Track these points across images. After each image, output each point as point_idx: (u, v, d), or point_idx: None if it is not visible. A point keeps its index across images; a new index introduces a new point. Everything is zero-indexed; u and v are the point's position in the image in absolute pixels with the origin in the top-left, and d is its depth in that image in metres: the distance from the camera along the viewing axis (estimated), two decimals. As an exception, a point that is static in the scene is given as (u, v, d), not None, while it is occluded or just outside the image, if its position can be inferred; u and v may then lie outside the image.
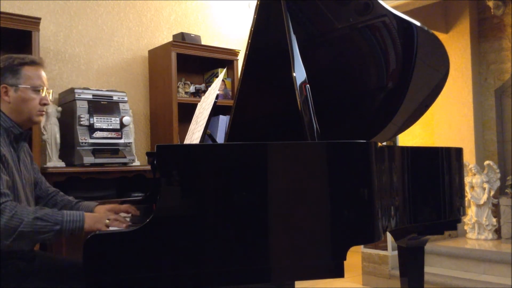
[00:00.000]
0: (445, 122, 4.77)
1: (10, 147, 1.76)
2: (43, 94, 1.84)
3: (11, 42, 3.24)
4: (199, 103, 2.21)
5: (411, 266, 2.27)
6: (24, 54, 1.87)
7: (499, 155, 4.50)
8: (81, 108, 3.19)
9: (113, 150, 3.28)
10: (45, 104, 1.85)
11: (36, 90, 1.81)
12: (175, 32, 4.16)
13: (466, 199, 4.00)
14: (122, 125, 3.30)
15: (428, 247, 2.81)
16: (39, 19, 3.18)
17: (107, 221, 1.66)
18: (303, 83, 1.69)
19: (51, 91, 1.91)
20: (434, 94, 2.29)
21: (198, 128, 1.92)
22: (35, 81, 1.81)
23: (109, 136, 3.26)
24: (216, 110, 2.10)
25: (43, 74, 1.86)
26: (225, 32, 4.60)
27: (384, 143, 2.30)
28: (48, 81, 1.89)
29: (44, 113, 1.88)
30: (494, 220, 4.12)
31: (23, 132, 1.83)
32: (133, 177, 3.39)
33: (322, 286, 3.54)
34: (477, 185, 4.19)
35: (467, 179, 4.18)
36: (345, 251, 1.43)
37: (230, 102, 3.68)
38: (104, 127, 3.24)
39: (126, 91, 3.59)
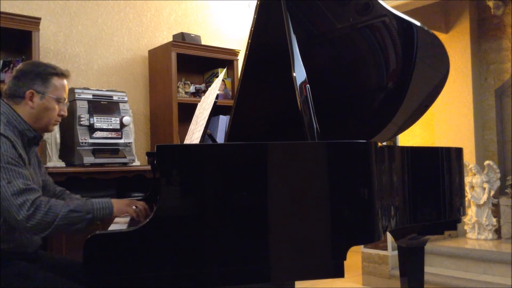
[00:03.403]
0: (445, 122, 4.76)
1: (23, 150, 1.77)
2: (62, 106, 1.89)
3: (11, 42, 3.24)
4: (199, 103, 2.21)
5: (411, 266, 2.27)
6: (54, 65, 1.93)
7: (499, 155, 4.50)
8: (81, 108, 3.19)
9: (113, 150, 3.28)
10: (62, 116, 1.90)
11: (59, 101, 1.86)
12: (175, 32, 4.16)
13: (466, 199, 4.00)
14: (122, 125, 3.30)
15: (428, 247, 2.81)
16: (39, 19, 3.18)
17: (134, 207, 1.79)
18: (303, 83, 1.69)
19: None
20: (434, 94, 2.29)
21: (198, 128, 1.92)
22: (60, 93, 1.87)
23: (109, 136, 3.26)
24: (216, 110, 2.10)
25: (67, 86, 1.92)
26: (225, 32, 4.60)
27: (384, 143, 2.30)
28: None
29: (58, 123, 1.93)
30: (494, 220, 4.11)
31: (37, 136, 1.86)
32: (133, 177, 3.39)
33: (322, 286, 3.53)
34: (477, 185, 4.19)
35: (467, 179, 4.18)
36: (345, 251, 1.43)
37: (230, 102, 3.68)
38: (104, 127, 3.24)
39: (126, 91, 3.59)
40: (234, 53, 4.20)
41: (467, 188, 4.15)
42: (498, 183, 4.16)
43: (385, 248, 3.85)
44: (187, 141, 2.10)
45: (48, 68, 1.86)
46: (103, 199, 1.74)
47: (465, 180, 3.10)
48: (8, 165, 1.62)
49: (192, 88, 4.06)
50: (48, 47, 3.57)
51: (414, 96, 2.23)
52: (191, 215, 1.36)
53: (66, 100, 1.91)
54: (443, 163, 2.09)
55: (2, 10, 3.13)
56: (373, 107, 2.29)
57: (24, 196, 1.58)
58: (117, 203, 1.75)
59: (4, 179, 1.59)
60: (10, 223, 1.61)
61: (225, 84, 4.14)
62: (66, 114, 1.92)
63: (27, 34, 3.13)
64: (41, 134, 1.91)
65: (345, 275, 1.43)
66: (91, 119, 3.18)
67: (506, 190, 4.13)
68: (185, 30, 4.20)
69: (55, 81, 1.85)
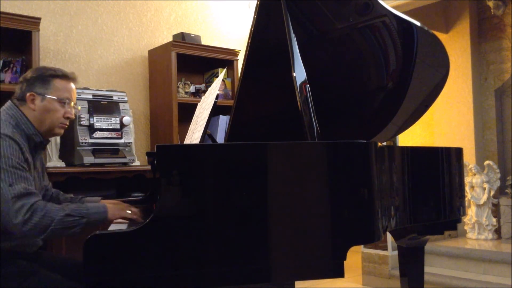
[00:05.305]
0: (445, 122, 4.77)
1: (30, 154, 1.77)
2: (68, 108, 1.87)
3: (11, 42, 3.24)
4: (199, 103, 2.22)
5: (411, 266, 2.27)
6: (58, 68, 1.92)
7: (499, 155, 4.50)
8: (81, 108, 3.19)
9: (113, 150, 3.28)
10: (68, 118, 1.89)
11: (62, 102, 1.85)
12: (175, 32, 4.16)
13: (466, 199, 4.00)
14: (122, 125, 3.30)
15: (428, 247, 2.81)
16: (39, 19, 3.18)
17: (128, 211, 1.76)
18: (303, 83, 1.69)
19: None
20: (434, 94, 2.29)
21: (198, 128, 1.92)
22: (62, 93, 1.85)
23: (109, 136, 3.26)
24: (216, 110, 2.10)
25: (73, 88, 1.91)
26: (225, 32, 4.60)
27: (384, 143, 2.30)
28: None
29: (66, 126, 1.92)
30: (494, 220, 4.11)
31: (43, 141, 1.86)
32: (133, 177, 3.39)
33: (322, 286, 3.53)
34: (477, 185, 4.19)
35: (467, 179, 4.18)
36: (345, 251, 1.43)
37: (230, 102, 3.68)
38: (104, 127, 3.24)
39: (126, 91, 3.59)
40: (234, 53, 4.20)
41: (467, 188, 4.15)
42: (498, 183, 4.16)
43: (385, 248, 3.85)
44: (187, 141, 2.10)
45: (49, 71, 1.86)
46: (99, 204, 1.73)
47: (465, 180, 3.10)
48: (12, 169, 1.62)
49: (192, 88, 4.06)
50: (48, 47, 3.57)
51: (414, 96, 2.23)
52: (191, 215, 1.36)
53: (73, 102, 1.90)
54: (443, 163, 2.09)
55: (2, 10, 3.13)
56: (373, 107, 2.29)
57: (23, 200, 1.57)
58: (112, 208, 1.72)
59: (6, 181, 1.59)
60: (6, 225, 1.60)
61: (225, 84, 4.14)
62: (73, 116, 1.91)
63: (27, 34, 3.13)
64: (48, 139, 1.91)
65: (345, 275, 1.43)
66: (91, 119, 3.18)
67: (506, 190, 4.13)
68: (185, 30, 4.20)
69: (57, 82, 1.85)
